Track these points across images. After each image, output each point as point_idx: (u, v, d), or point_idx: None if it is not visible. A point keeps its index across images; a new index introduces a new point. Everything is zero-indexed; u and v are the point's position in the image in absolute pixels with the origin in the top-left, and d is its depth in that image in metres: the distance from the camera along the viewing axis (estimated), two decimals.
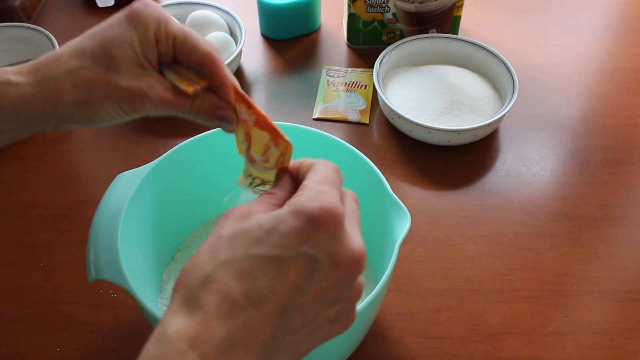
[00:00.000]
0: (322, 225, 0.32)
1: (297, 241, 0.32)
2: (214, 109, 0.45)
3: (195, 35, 0.44)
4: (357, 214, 0.37)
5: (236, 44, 0.84)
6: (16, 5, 0.89)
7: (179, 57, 0.44)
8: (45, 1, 0.97)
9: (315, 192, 0.34)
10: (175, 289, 0.33)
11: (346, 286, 0.34)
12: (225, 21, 0.86)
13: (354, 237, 0.34)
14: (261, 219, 0.33)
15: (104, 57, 0.42)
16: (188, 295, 0.32)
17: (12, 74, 0.42)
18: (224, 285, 0.31)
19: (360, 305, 0.46)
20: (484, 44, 0.81)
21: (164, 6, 0.87)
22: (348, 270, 0.33)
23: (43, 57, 0.43)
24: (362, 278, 0.36)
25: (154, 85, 0.43)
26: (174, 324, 0.31)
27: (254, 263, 0.32)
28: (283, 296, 0.32)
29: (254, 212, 0.34)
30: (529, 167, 0.74)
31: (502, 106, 0.76)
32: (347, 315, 0.36)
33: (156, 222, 0.57)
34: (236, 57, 0.81)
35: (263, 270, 0.32)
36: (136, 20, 0.43)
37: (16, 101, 0.42)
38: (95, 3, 0.93)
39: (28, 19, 0.92)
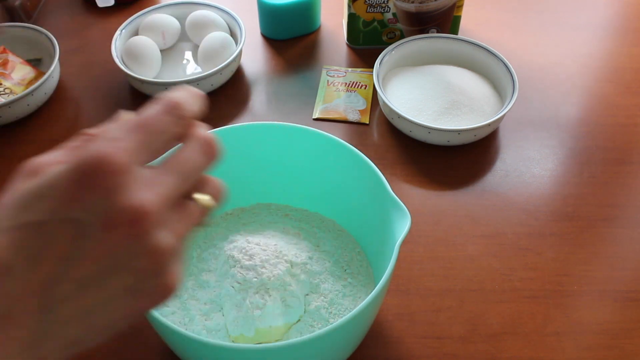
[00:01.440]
0: (88, 181, 0.28)
1: (61, 204, 0.29)
2: None
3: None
4: (186, 164, 0.32)
5: (236, 44, 0.84)
6: (16, 5, 0.89)
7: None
8: (46, 1, 0.97)
9: (96, 137, 0.30)
10: None
11: (129, 251, 0.29)
12: (225, 21, 0.86)
13: (141, 190, 0.29)
14: (40, 180, 0.30)
15: None
16: None
17: None
18: None
19: (360, 305, 0.46)
20: (484, 44, 0.81)
21: (164, 6, 0.87)
22: (124, 232, 0.29)
23: None
24: (160, 239, 0.30)
25: None
26: None
27: (21, 232, 0.29)
28: (50, 265, 0.29)
29: (43, 167, 0.31)
30: (529, 167, 0.74)
31: (502, 106, 0.76)
32: (154, 285, 0.31)
33: None
34: (236, 57, 0.81)
35: (28, 238, 0.29)
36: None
37: None
38: (95, 3, 0.93)
39: (28, 19, 0.92)
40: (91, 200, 0.28)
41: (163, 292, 0.31)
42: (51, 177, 0.29)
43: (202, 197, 0.33)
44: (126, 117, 0.32)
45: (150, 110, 0.32)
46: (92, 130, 0.33)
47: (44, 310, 0.29)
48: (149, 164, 0.32)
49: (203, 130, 0.34)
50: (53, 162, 0.32)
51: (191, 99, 0.34)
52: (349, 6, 0.85)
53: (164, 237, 0.30)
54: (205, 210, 0.34)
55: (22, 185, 0.31)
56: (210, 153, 0.33)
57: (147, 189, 0.30)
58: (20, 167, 0.32)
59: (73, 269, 0.29)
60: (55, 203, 0.29)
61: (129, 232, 0.29)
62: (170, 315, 0.55)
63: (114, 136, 0.30)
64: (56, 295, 0.29)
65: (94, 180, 0.28)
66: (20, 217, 0.29)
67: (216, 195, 0.35)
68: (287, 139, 0.61)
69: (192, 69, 0.85)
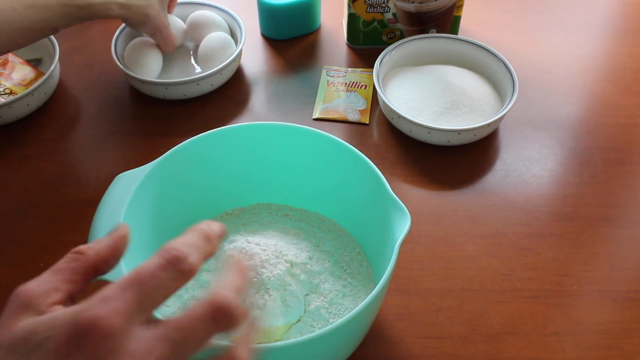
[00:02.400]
0: (83, 344, 0.28)
1: (54, 358, 0.28)
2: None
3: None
4: (180, 333, 0.30)
5: (236, 44, 0.84)
6: None
7: None
8: None
9: (97, 299, 0.29)
10: None
11: None
12: (225, 21, 0.86)
13: (127, 357, 0.28)
14: (38, 326, 0.29)
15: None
16: None
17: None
18: None
19: (360, 305, 0.46)
20: (484, 44, 0.81)
21: None
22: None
23: None
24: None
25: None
26: None
27: None
28: None
29: (37, 298, 0.31)
30: (528, 167, 0.74)
31: (502, 106, 0.76)
32: None
33: (156, 223, 0.57)
34: (236, 57, 0.81)
35: None
36: None
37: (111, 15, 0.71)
38: None
39: None
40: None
41: None
42: (47, 327, 0.29)
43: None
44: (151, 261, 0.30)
45: (150, 264, 0.30)
46: (84, 247, 0.33)
47: None
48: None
49: (218, 288, 0.31)
50: (45, 291, 0.31)
51: (204, 244, 0.32)
52: (349, 6, 0.85)
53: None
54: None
55: (14, 321, 0.30)
56: (222, 322, 0.30)
57: (141, 355, 0.28)
58: (13, 296, 0.31)
59: None
60: (47, 356, 0.28)
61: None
62: (170, 316, 0.55)
63: (108, 295, 0.29)
64: None
65: (85, 342, 0.28)
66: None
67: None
68: (287, 139, 0.61)
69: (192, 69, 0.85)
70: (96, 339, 0.28)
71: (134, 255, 0.52)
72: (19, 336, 0.29)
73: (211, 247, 0.32)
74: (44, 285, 0.32)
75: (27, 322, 0.30)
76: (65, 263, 0.33)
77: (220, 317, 0.30)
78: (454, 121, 0.74)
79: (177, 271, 0.30)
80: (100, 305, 0.29)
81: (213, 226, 0.33)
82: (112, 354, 0.28)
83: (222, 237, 0.34)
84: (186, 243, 0.31)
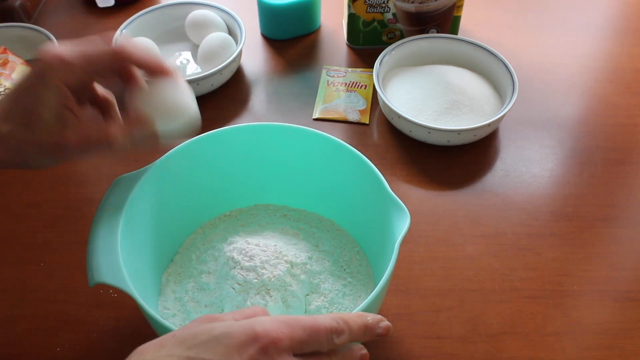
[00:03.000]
0: (263, 348, 0.36)
1: (235, 352, 0.36)
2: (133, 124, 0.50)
3: (93, 49, 0.49)
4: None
5: (236, 44, 0.84)
6: (16, 6, 0.89)
7: (112, 70, 0.50)
8: (46, 1, 0.97)
9: (274, 324, 0.37)
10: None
11: None
12: (225, 21, 0.86)
13: None
14: (216, 326, 0.37)
15: (26, 120, 0.47)
16: None
17: None
18: None
19: (361, 305, 0.46)
20: (483, 44, 0.81)
21: (164, 7, 0.87)
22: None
23: None
24: None
25: (68, 135, 0.48)
26: None
27: None
28: None
29: (219, 319, 0.39)
30: (528, 167, 0.74)
31: (502, 106, 0.76)
32: None
33: (155, 224, 0.57)
34: (236, 57, 0.81)
35: None
36: (44, 80, 0.47)
37: None
38: (95, 3, 0.93)
39: (28, 19, 0.92)
40: (255, 356, 0.36)
41: None
42: (232, 329, 0.37)
43: None
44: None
45: (326, 322, 0.39)
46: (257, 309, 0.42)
47: None
48: None
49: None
50: (228, 318, 0.39)
51: (362, 333, 0.42)
52: (349, 6, 0.85)
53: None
54: None
55: (195, 327, 0.38)
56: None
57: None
58: (202, 317, 0.40)
59: None
60: (228, 350, 0.36)
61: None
62: (170, 318, 0.55)
63: (287, 329, 0.38)
64: None
65: (261, 344, 0.36)
66: (192, 351, 0.36)
67: None
68: (286, 140, 0.61)
69: (192, 69, 0.85)
70: (270, 346, 0.36)
71: (133, 255, 0.52)
72: (204, 333, 0.37)
73: (363, 337, 0.42)
74: (228, 316, 0.41)
75: (209, 325, 0.38)
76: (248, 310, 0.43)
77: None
78: (454, 121, 0.74)
79: (334, 343, 0.39)
80: (278, 329, 0.37)
81: (381, 323, 0.43)
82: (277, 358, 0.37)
83: (382, 335, 0.43)
84: (354, 324, 0.41)
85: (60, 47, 0.48)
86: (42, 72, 0.47)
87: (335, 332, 0.39)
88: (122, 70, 0.50)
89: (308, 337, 0.38)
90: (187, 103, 0.51)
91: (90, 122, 0.49)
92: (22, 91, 0.48)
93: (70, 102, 0.47)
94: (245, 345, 0.36)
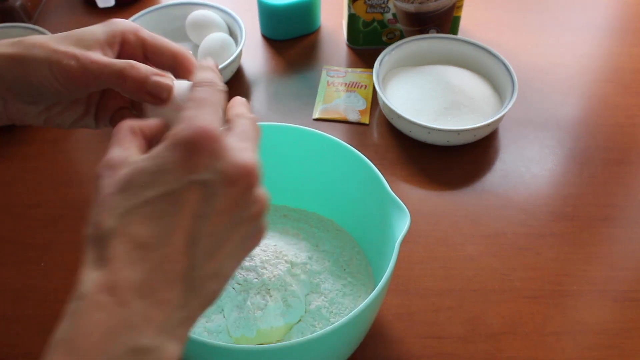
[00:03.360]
0: (201, 149, 0.33)
1: (183, 172, 0.33)
2: (146, 77, 0.42)
3: (164, 39, 0.46)
4: (250, 134, 0.37)
5: (236, 44, 0.84)
6: (17, 6, 0.89)
7: (151, 59, 0.45)
8: (46, 1, 0.98)
9: (188, 119, 0.34)
10: (84, 250, 0.34)
11: (246, 200, 0.35)
12: (225, 21, 0.86)
13: (242, 152, 0.34)
14: (140, 164, 0.33)
15: (66, 36, 0.43)
16: (96, 252, 0.33)
17: None
18: (128, 234, 0.32)
19: (361, 305, 0.46)
20: (483, 44, 0.81)
21: (164, 7, 0.87)
22: (242, 184, 0.34)
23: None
24: (261, 191, 0.36)
25: (88, 54, 0.41)
26: (87, 280, 0.32)
27: (152, 205, 0.33)
28: (187, 226, 0.33)
29: (128, 158, 0.34)
30: (528, 167, 0.74)
31: (502, 106, 0.76)
32: (259, 228, 0.37)
33: None
34: (236, 57, 0.81)
35: (161, 209, 0.33)
36: (108, 23, 0.45)
37: None
38: (95, 3, 0.93)
39: (29, 20, 0.92)
40: (209, 163, 0.33)
41: (261, 235, 0.37)
42: (158, 153, 0.33)
43: None
44: (204, 91, 0.37)
45: (199, 92, 0.37)
46: (142, 123, 0.38)
47: (190, 269, 0.33)
48: None
49: (238, 107, 0.40)
50: (132, 153, 0.35)
51: (216, 75, 0.39)
52: (349, 6, 0.85)
53: (262, 189, 0.36)
54: None
55: (119, 177, 0.33)
56: (258, 128, 0.39)
57: (245, 150, 0.35)
58: (98, 170, 0.35)
59: (209, 225, 0.33)
60: (177, 173, 0.33)
61: (246, 184, 0.34)
62: None
63: (191, 115, 0.34)
64: (199, 253, 0.33)
65: (204, 145, 0.33)
66: (145, 194, 0.33)
67: None
68: (286, 140, 0.61)
69: None
70: (212, 141, 0.33)
71: None
72: (135, 175, 0.33)
73: (219, 75, 0.40)
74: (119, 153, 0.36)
75: (137, 164, 0.34)
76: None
77: (256, 123, 0.39)
78: (453, 121, 0.74)
79: (219, 91, 0.38)
80: (196, 119, 0.34)
81: (210, 62, 0.40)
82: (229, 151, 0.34)
83: (217, 67, 0.41)
84: (208, 75, 0.38)
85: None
86: (108, 21, 0.44)
87: (212, 85, 0.38)
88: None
89: (209, 105, 0.36)
90: None
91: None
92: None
93: (113, 49, 0.44)
94: (188, 158, 0.33)
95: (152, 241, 0.32)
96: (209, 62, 0.41)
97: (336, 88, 0.83)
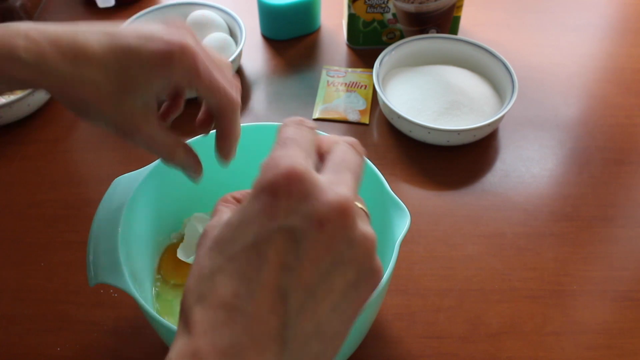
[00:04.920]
0: (285, 191, 0.29)
1: (267, 219, 0.29)
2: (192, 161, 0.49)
3: (219, 80, 0.46)
4: (349, 162, 0.33)
5: (236, 44, 0.84)
6: (17, 6, 0.90)
7: (199, 94, 0.46)
8: (46, 1, 0.98)
9: (270, 160, 0.30)
10: (178, 323, 0.32)
11: (345, 242, 0.30)
12: (225, 21, 0.86)
13: (334, 187, 0.30)
14: (227, 220, 0.31)
15: (123, 82, 0.43)
16: (184, 318, 0.30)
17: (24, 50, 0.41)
18: (214, 296, 0.29)
19: None
20: (483, 44, 0.81)
21: (164, 7, 0.87)
22: (336, 224, 0.29)
23: (70, 38, 0.42)
24: (364, 226, 0.31)
25: (145, 133, 0.45)
26: (174, 348, 0.29)
27: (236, 261, 0.30)
28: (274, 280, 0.29)
29: (220, 220, 0.33)
30: (528, 167, 0.74)
31: (502, 106, 0.76)
32: (369, 271, 0.31)
33: (155, 224, 0.57)
34: (236, 57, 0.81)
35: (245, 264, 0.30)
36: (168, 66, 0.43)
37: (15, 77, 0.42)
38: (95, 3, 0.93)
39: (29, 19, 0.92)
40: (294, 205, 0.29)
41: (377, 275, 0.32)
42: (244, 206, 0.30)
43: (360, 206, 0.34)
44: (290, 127, 0.34)
45: (285, 129, 0.33)
46: (235, 193, 0.36)
47: (282, 328, 0.29)
48: None
49: (338, 137, 0.35)
50: (230, 210, 0.34)
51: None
52: (349, 6, 0.85)
53: (367, 226, 0.31)
54: (365, 212, 0.35)
55: (212, 235, 0.32)
56: (360, 151, 0.35)
57: (338, 185, 0.31)
58: (201, 236, 0.33)
59: (298, 276, 0.29)
60: (260, 222, 0.29)
61: (341, 224, 0.29)
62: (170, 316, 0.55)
63: (277, 154, 0.31)
64: (291, 308, 0.29)
65: (289, 188, 0.29)
66: (229, 250, 0.30)
67: (362, 202, 0.35)
68: None
69: None
70: (298, 181, 0.29)
71: (133, 256, 0.52)
72: (221, 230, 0.31)
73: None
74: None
75: (221, 219, 0.33)
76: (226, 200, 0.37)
77: (358, 147, 0.35)
78: (453, 121, 0.74)
79: (308, 128, 0.34)
80: (279, 160, 0.30)
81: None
82: (318, 189, 0.29)
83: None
84: (294, 118, 0.35)
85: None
86: (169, 60, 0.43)
87: (299, 124, 0.34)
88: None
89: (296, 143, 0.32)
90: None
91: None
92: (139, 49, 0.43)
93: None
94: (270, 204, 0.29)
95: (236, 301, 0.29)
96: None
97: (336, 88, 0.83)
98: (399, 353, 0.58)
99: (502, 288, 0.63)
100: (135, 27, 0.44)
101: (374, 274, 0.32)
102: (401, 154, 0.75)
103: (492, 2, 0.97)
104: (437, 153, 0.75)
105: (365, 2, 0.83)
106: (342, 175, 0.32)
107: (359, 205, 0.32)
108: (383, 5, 0.84)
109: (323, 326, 0.30)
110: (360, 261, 0.31)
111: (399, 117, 0.73)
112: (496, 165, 0.74)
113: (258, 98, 0.83)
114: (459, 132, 0.72)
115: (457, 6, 0.85)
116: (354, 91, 0.83)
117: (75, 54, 0.42)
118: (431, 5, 0.84)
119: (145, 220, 0.56)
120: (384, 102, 0.75)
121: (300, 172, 0.29)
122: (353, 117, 0.80)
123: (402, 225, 0.50)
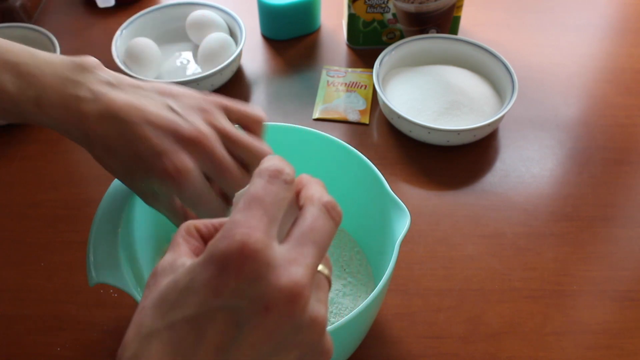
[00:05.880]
0: (235, 268, 0.27)
1: (211, 294, 0.28)
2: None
3: (246, 139, 0.49)
4: (316, 233, 0.31)
5: (236, 44, 0.84)
6: (17, 6, 0.90)
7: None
8: (46, 1, 0.98)
9: (229, 227, 0.28)
10: None
11: (290, 329, 0.29)
12: (225, 21, 0.86)
13: (288, 267, 0.28)
14: (176, 277, 0.29)
15: (130, 170, 0.47)
16: None
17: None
18: (146, 359, 0.28)
19: (361, 305, 0.46)
20: (483, 44, 0.81)
21: (164, 7, 0.87)
22: (283, 311, 0.28)
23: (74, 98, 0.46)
24: (315, 308, 0.30)
25: (156, 201, 0.50)
26: None
27: (173, 331, 0.28)
28: (208, 358, 0.28)
29: (173, 263, 0.31)
30: (528, 167, 0.74)
31: (502, 106, 0.76)
32: (316, 353, 0.31)
33: (156, 224, 0.57)
34: (236, 57, 0.81)
35: (182, 336, 0.28)
36: (176, 186, 0.46)
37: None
38: (95, 3, 0.93)
39: (29, 19, 0.92)
40: (242, 286, 0.28)
41: (326, 356, 0.31)
42: (192, 268, 0.29)
43: (321, 268, 0.32)
44: (259, 183, 0.31)
45: (255, 185, 0.30)
46: (199, 223, 0.33)
47: None
48: None
49: (317, 192, 0.33)
50: (183, 258, 0.31)
51: (284, 163, 0.32)
52: (349, 6, 0.85)
53: (318, 306, 0.30)
54: (328, 279, 0.33)
55: (158, 289, 0.30)
56: (336, 215, 0.32)
57: (294, 265, 0.29)
58: (153, 271, 0.31)
59: (234, 358, 0.29)
60: (204, 294, 0.28)
61: (288, 311, 0.28)
62: None
63: (237, 220, 0.29)
64: None
65: (241, 265, 0.28)
66: (170, 316, 0.29)
67: (328, 263, 0.33)
68: (286, 140, 0.61)
69: (192, 69, 0.85)
70: (251, 259, 0.27)
71: (133, 256, 0.52)
72: (163, 293, 0.29)
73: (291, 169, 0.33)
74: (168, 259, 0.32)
75: (166, 280, 0.30)
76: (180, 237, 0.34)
77: (333, 211, 0.32)
78: (453, 121, 0.74)
79: (283, 182, 0.31)
80: (237, 229, 0.28)
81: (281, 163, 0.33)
82: (271, 270, 0.28)
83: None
84: (275, 162, 0.32)
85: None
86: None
87: (274, 177, 0.31)
88: None
89: (261, 207, 0.29)
90: None
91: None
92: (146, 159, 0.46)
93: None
94: (217, 279, 0.28)
95: None
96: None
97: (336, 88, 0.83)
98: (399, 353, 0.58)
99: (502, 288, 0.63)
100: (148, 117, 0.46)
101: (322, 355, 0.31)
102: (401, 154, 0.75)
103: (492, 2, 0.97)
104: (437, 153, 0.75)
105: (365, 2, 0.83)
106: (304, 249, 0.30)
107: (322, 270, 0.31)
108: (383, 5, 0.84)
109: None
110: (307, 345, 0.30)
111: (399, 117, 0.73)
112: (496, 165, 0.74)
113: (258, 98, 0.83)
114: (459, 132, 0.72)
115: (457, 6, 0.85)
116: (354, 91, 0.83)
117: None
118: (431, 5, 0.84)
119: (145, 220, 0.56)
120: (384, 102, 0.75)
121: (255, 250, 0.28)
122: (353, 117, 0.80)
123: (402, 225, 0.50)
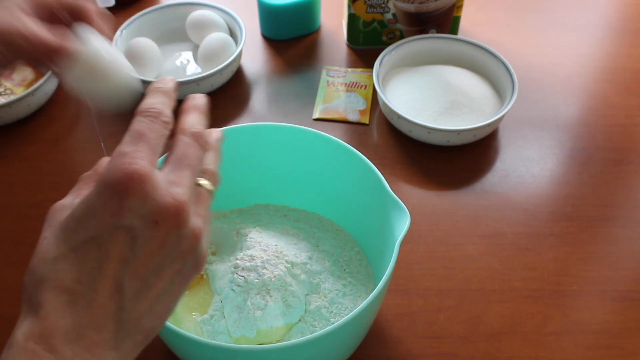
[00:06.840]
0: (127, 192, 0.33)
1: (109, 217, 0.33)
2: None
3: None
4: (187, 158, 0.37)
5: (236, 44, 0.84)
6: None
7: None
8: None
9: (118, 157, 0.34)
10: (21, 298, 0.35)
11: (175, 240, 0.34)
12: (225, 21, 0.86)
13: (170, 189, 0.34)
14: (74, 209, 0.34)
15: None
16: (28, 299, 0.34)
17: None
18: (56, 280, 0.33)
19: (361, 305, 0.46)
20: (483, 44, 0.81)
21: (164, 7, 0.88)
22: (167, 225, 0.34)
23: None
24: (195, 221, 0.35)
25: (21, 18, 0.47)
26: (20, 328, 0.34)
27: (78, 251, 0.33)
28: (113, 271, 0.33)
29: (73, 202, 0.36)
30: (528, 167, 0.74)
31: (502, 106, 0.76)
32: (194, 259, 0.36)
33: None
34: (236, 57, 0.81)
35: (87, 255, 0.33)
36: None
37: None
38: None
39: None
40: (134, 206, 0.33)
41: (201, 263, 0.37)
42: (88, 198, 0.34)
43: (205, 182, 0.38)
44: (139, 120, 0.36)
45: (139, 124, 0.36)
46: (89, 172, 0.39)
47: (119, 311, 0.34)
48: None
49: (188, 123, 0.38)
50: (77, 196, 0.37)
51: (166, 96, 0.38)
52: (349, 6, 0.85)
53: (197, 220, 0.36)
54: (210, 192, 0.38)
55: (57, 221, 0.35)
56: (204, 143, 0.38)
57: (174, 186, 0.35)
58: (50, 211, 0.36)
59: (135, 268, 0.34)
60: (103, 217, 0.33)
61: (174, 223, 0.34)
62: (170, 317, 0.55)
63: (123, 151, 0.34)
64: (127, 295, 0.34)
65: (130, 189, 0.33)
66: (73, 240, 0.33)
67: (214, 179, 0.39)
68: (286, 140, 0.61)
69: (192, 69, 0.85)
70: (138, 182, 0.33)
71: None
72: (65, 221, 0.34)
73: (172, 100, 0.38)
74: (69, 198, 0.38)
75: (67, 211, 0.35)
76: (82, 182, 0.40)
77: (200, 139, 0.38)
78: (453, 121, 0.74)
79: (162, 122, 0.36)
80: (123, 159, 0.33)
81: (167, 83, 0.39)
82: (156, 191, 0.33)
83: (176, 89, 0.39)
84: (155, 103, 0.37)
85: None
86: None
87: (154, 117, 0.36)
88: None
89: (145, 141, 0.35)
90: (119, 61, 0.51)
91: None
92: None
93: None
94: (113, 201, 0.33)
95: (78, 287, 0.33)
96: (166, 82, 0.39)
97: (336, 88, 0.83)
98: (399, 353, 0.58)
99: (502, 288, 0.63)
100: None
101: (198, 261, 0.36)
102: (401, 154, 0.75)
103: (492, 2, 0.97)
104: (437, 153, 0.75)
105: (365, 2, 0.83)
106: (180, 173, 0.36)
107: (206, 185, 0.38)
108: (383, 5, 0.84)
109: (154, 307, 0.35)
110: (187, 253, 0.35)
111: (399, 117, 0.73)
112: (496, 165, 0.74)
113: (258, 98, 0.83)
114: (459, 132, 0.72)
115: (457, 6, 0.85)
116: (354, 91, 0.83)
117: None
118: (431, 5, 0.84)
119: None
120: (384, 102, 0.75)
121: (144, 174, 0.33)
122: (353, 117, 0.80)
123: (402, 225, 0.50)
